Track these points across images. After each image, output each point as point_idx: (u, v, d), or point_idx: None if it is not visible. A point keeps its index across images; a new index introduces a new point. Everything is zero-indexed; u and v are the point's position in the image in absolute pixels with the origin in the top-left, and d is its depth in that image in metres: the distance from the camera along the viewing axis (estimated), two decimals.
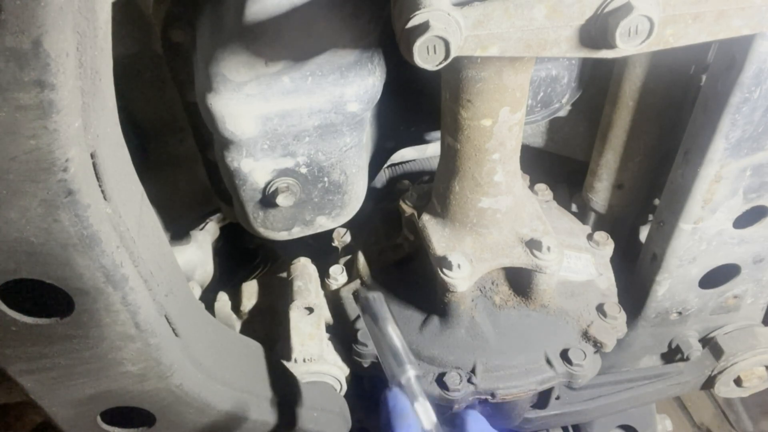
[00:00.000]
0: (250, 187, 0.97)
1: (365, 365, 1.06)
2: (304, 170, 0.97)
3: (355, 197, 1.06)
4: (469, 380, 1.00)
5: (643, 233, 1.38)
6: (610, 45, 0.66)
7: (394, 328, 0.87)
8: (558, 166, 1.44)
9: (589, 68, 1.20)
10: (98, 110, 0.65)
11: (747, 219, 1.09)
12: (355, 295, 1.09)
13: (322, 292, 1.16)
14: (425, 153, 1.39)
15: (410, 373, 0.82)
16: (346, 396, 1.13)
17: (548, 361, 1.01)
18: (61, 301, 0.72)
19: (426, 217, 1.04)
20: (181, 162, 1.24)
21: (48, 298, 0.73)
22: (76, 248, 0.66)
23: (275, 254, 1.72)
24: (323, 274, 1.17)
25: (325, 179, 0.99)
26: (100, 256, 0.68)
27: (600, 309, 1.05)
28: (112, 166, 0.70)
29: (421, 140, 1.24)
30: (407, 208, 1.09)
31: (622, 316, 1.05)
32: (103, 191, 0.67)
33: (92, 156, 0.65)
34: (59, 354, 0.80)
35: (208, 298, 1.26)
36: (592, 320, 1.04)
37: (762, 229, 1.11)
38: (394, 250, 1.15)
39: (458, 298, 0.98)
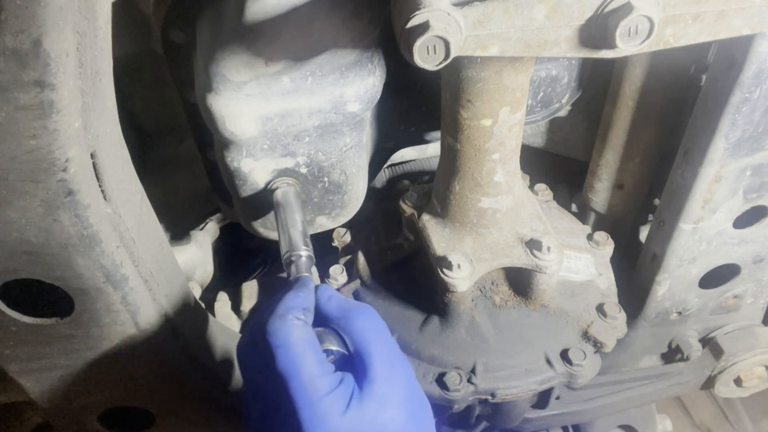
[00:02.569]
0: (250, 187, 0.97)
1: None
2: (304, 170, 0.97)
3: (355, 197, 1.06)
4: (469, 380, 1.00)
5: (643, 233, 1.38)
6: (610, 45, 0.66)
7: (300, 216, 0.91)
8: (558, 166, 1.44)
9: (589, 68, 1.20)
10: (98, 110, 0.65)
11: (747, 219, 1.09)
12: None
13: None
14: (425, 153, 1.39)
15: (302, 252, 0.85)
16: None
17: (548, 361, 1.01)
18: (61, 301, 0.72)
19: (426, 217, 1.04)
20: (181, 162, 1.24)
21: (48, 298, 0.73)
22: (76, 248, 0.66)
23: (275, 254, 1.72)
24: (323, 274, 1.17)
25: (325, 179, 0.99)
26: (100, 256, 0.68)
27: (600, 309, 1.05)
28: (112, 166, 0.70)
29: (421, 140, 1.24)
30: (407, 208, 1.09)
31: (622, 316, 1.05)
32: (103, 191, 0.67)
33: (92, 156, 0.65)
34: (59, 354, 0.80)
35: (208, 298, 1.26)
36: (592, 320, 1.04)
37: (762, 229, 1.11)
38: (394, 250, 1.15)
39: (458, 298, 0.98)
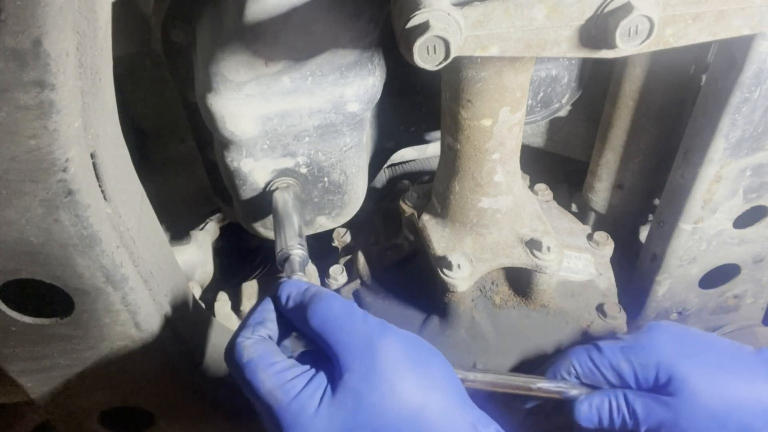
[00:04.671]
0: (250, 187, 0.97)
1: None
2: (304, 170, 0.97)
3: (355, 197, 1.06)
4: None
5: (643, 233, 1.38)
6: (610, 45, 0.66)
7: (298, 215, 0.92)
8: (558, 166, 1.44)
9: (589, 68, 1.20)
10: (98, 110, 0.65)
11: (747, 219, 1.09)
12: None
13: None
14: (425, 153, 1.39)
15: (296, 251, 0.86)
16: None
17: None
18: (61, 301, 0.72)
19: (426, 217, 1.04)
20: (181, 162, 1.24)
21: (48, 298, 0.73)
22: (76, 248, 0.66)
23: (275, 254, 1.72)
24: (323, 274, 1.17)
25: (325, 179, 0.99)
26: (100, 256, 0.68)
27: (600, 309, 1.05)
28: (112, 166, 0.70)
29: (421, 140, 1.24)
30: (407, 208, 1.09)
31: (622, 316, 1.05)
32: (103, 191, 0.67)
33: (92, 156, 0.65)
34: (59, 354, 0.80)
35: (208, 298, 1.26)
36: (592, 320, 1.04)
37: (762, 229, 1.11)
38: (394, 250, 1.15)
39: (458, 298, 0.98)
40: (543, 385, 0.86)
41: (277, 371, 0.66)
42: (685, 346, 0.82)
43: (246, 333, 0.70)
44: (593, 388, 0.85)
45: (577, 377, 0.85)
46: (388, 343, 0.67)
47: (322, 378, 0.67)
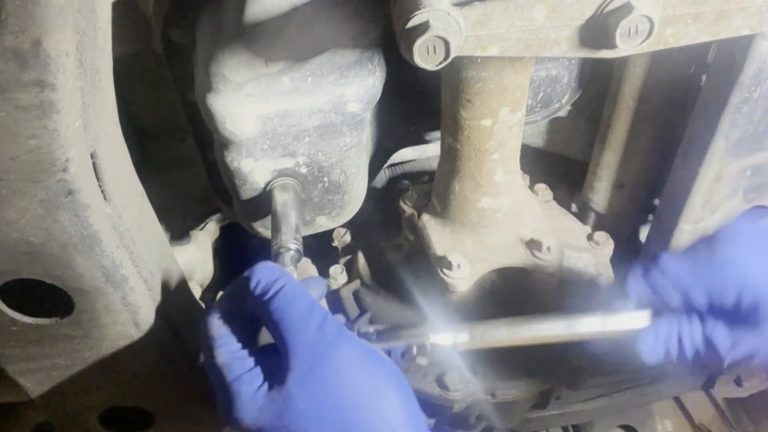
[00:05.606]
0: (250, 187, 0.97)
1: None
2: (304, 170, 0.97)
3: (355, 197, 1.06)
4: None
5: (643, 233, 1.38)
6: (610, 45, 0.66)
7: (295, 213, 0.91)
8: (558, 166, 1.44)
9: (589, 68, 1.20)
10: (98, 110, 0.65)
11: (747, 219, 1.09)
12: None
13: None
14: (425, 153, 1.39)
15: (290, 245, 0.85)
16: None
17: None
18: (61, 301, 0.72)
19: (426, 217, 1.04)
20: (181, 162, 1.24)
21: (48, 298, 0.73)
22: (76, 248, 0.66)
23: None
24: (323, 274, 1.17)
25: (325, 179, 0.99)
26: (100, 256, 0.68)
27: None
28: (112, 166, 0.70)
29: (421, 140, 1.24)
30: (407, 208, 1.09)
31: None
32: (103, 191, 0.67)
33: (92, 156, 0.65)
34: (59, 354, 0.80)
35: (208, 298, 1.26)
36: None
37: None
38: (394, 250, 1.15)
39: (458, 298, 0.98)
40: (585, 324, 0.71)
41: (231, 350, 0.68)
42: None
43: (223, 306, 0.72)
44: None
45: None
46: (336, 354, 0.65)
47: (269, 370, 0.66)
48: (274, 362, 0.66)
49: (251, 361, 0.67)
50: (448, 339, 0.78)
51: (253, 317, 0.70)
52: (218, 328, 0.70)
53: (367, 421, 0.63)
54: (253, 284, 0.69)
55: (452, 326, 0.79)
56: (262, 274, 0.70)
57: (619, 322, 0.72)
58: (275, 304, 0.66)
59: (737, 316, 0.68)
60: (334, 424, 0.63)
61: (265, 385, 0.65)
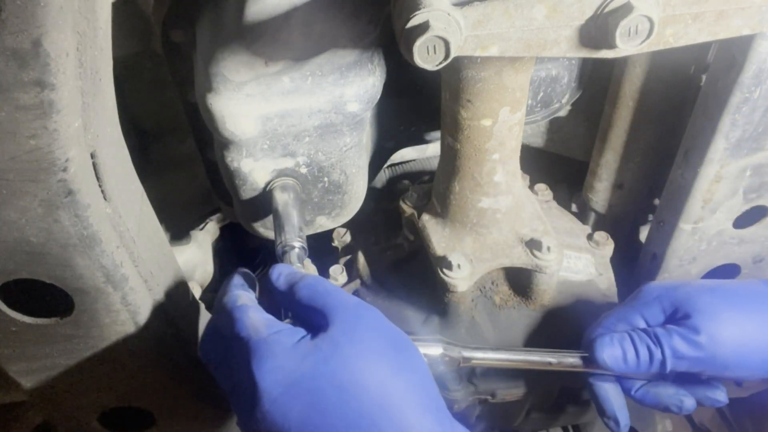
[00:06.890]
0: (250, 187, 0.97)
1: None
2: (304, 170, 0.97)
3: (355, 197, 1.06)
4: (469, 380, 1.00)
5: (643, 233, 1.38)
6: (610, 45, 0.66)
7: (297, 211, 0.93)
8: (558, 166, 1.44)
9: (589, 68, 1.20)
10: (98, 110, 0.65)
11: (747, 219, 1.09)
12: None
13: None
14: (425, 153, 1.39)
15: (295, 243, 0.87)
16: None
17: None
18: (61, 301, 0.72)
19: (426, 217, 1.04)
20: (181, 162, 1.24)
21: (48, 298, 0.73)
22: (76, 248, 0.66)
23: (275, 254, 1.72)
24: (323, 274, 1.17)
25: (325, 179, 0.99)
26: (100, 256, 0.68)
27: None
28: (112, 166, 0.70)
29: (421, 140, 1.24)
30: (407, 208, 1.09)
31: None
32: (103, 191, 0.67)
33: (92, 156, 0.65)
34: (59, 354, 0.80)
35: (208, 298, 1.26)
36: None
37: (762, 229, 1.11)
38: (394, 250, 1.15)
39: (458, 298, 0.98)
40: (560, 359, 0.88)
41: (265, 314, 0.70)
42: (691, 286, 0.84)
43: (235, 290, 0.74)
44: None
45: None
46: (373, 315, 0.69)
47: (300, 329, 0.68)
48: (313, 323, 0.68)
49: (289, 324, 0.69)
50: (437, 350, 0.86)
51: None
52: (252, 301, 0.72)
53: (402, 376, 0.65)
54: (274, 278, 0.73)
55: (442, 340, 0.87)
56: (281, 269, 0.74)
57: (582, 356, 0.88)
58: (304, 285, 0.70)
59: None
60: (377, 373, 0.63)
61: (308, 336, 0.66)
